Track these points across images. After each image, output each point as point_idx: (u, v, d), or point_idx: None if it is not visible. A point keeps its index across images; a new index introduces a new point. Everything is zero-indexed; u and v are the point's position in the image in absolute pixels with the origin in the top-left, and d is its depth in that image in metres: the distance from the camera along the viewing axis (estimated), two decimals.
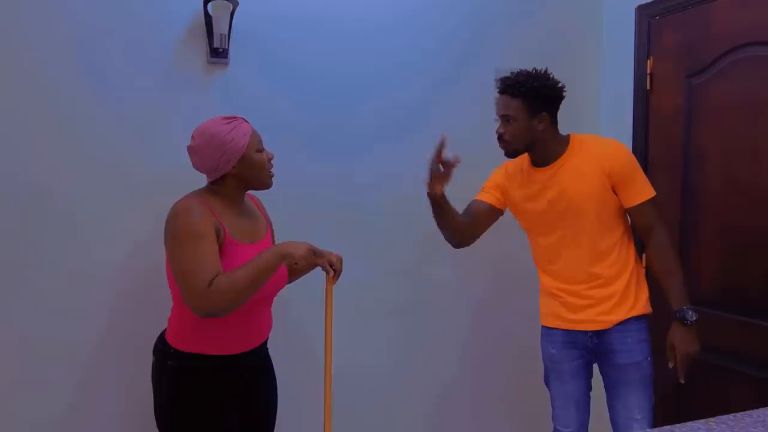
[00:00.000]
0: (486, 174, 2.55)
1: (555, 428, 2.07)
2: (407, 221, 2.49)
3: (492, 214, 2.12)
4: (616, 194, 1.94)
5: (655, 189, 1.97)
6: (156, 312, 1.88)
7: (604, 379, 2.04)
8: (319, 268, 1.94)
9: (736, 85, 2.21)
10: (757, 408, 1.38)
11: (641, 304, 1.98)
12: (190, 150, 1.71)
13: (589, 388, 2.07)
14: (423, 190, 2.46)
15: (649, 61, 2.52)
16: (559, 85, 1.97)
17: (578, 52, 2.73)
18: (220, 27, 2.12)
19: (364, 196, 2.43)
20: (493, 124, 2.57)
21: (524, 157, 2.08)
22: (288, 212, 2.24)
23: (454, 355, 2.61)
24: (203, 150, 1.67)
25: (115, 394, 2.12)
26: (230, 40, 2.16)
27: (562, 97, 1.98)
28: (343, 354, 2.24)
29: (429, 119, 2.51)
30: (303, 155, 2.33)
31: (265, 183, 1.76)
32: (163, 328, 1.79)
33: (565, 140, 2.00)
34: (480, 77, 2.58)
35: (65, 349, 2.06)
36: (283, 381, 1.96)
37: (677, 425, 1.16)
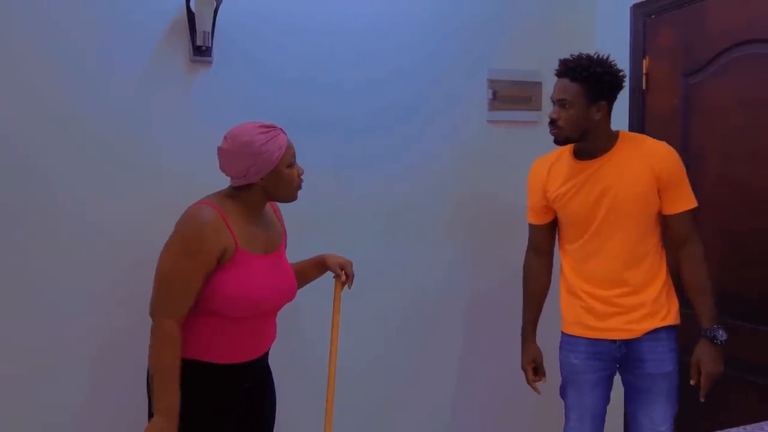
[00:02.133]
0: (483, 176, 2.52)
1: None
2: (399, 222, 2.43)
3: (554, 225, 2.07)
4: (659, 198, 1.86)
5: None
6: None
7: (626, 388, 1.96)
8: (329, 274, 1.94)
9: (734, 83, 2.17)
10: (761, 415, 1.32)
11: (673, 315, 1.92)
12: (221, 152, 1.65)
13: (607, 401, 1.98)
14: (414, 191, 2.45)
15: (644, 60, 2.48)
16: (621, 73, 1.88)
17: (573, 53, 2.66)
18: (203, 24, 2.06)
19: (353, 198, 2.36)
20: (487, 126, 2.55)
21: (564, 149, 1.98)
22: None
23: (456, 361, 2.54)
24: (234, 155, 1.61)
25: (109, 404, 2.05)
26: (214, 38, 2.10)
27: (622, 87, 1.89)
28: (345, 358, 2.17)
29: (420, 121, 2.45)
30: None
31: (289, 198, 1.72)
32: None
33: (615, 135, 1.92)
34: (473, 78, 2.52)
35: (60, 352, 2.00)
36: (285, 389, 1.90)
37: None
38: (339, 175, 2.33)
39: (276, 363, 1.85)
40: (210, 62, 2.13)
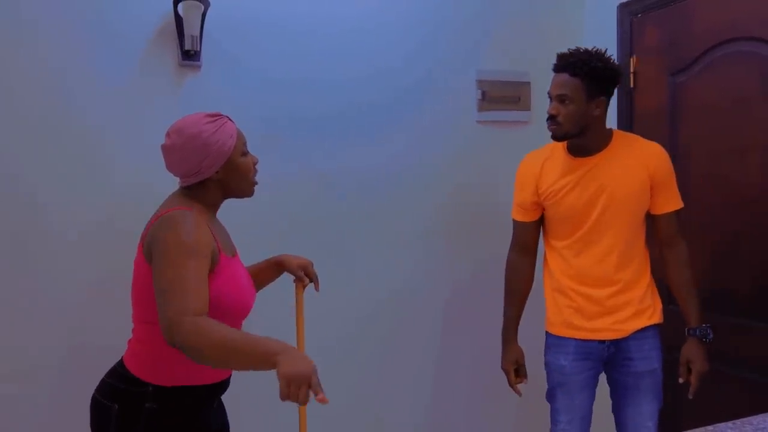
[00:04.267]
0: (473, 177, 2.52)
1: None
2: (387, 223, 2.43)
3: (540, 223, 2.05)
4: (650, 197, 1.88)
5: None
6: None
7: (613, 386, 1.97)
8: (286, 275, 1.82)
9: (720, 81, 2.19)
10: (750, 411, 1.33)
11: (658, 313, 1.93)
12: (166, 149, 1.47)
13: (593, 400, 1.98)
14: (403, 192, 2.45)
15: (632, 59, 2.49)
16: (619, 68, 1.87)
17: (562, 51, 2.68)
18: (191, 28, 2.05)
19: (340, 200, 2.36)
20: (474, 126, 2.56)
21: (556, 145, 1.96)
22: (260, 216, 2.18)
23: (441, 363, 2.55)
24: (181, 151, 1.44)
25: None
26: (202, 42, 2.09)
27: (619, 82, 1.88)
28: (325, 359, 2.16)
29: (409, 122, 2.46)
30: (277, 159, 2.25)
31: (247, 191, 1.56)
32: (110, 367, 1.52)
33: (610, 132, 1.92)
34: (461, 78, 2.53)
35: (32, 357, 1.97)
36: (252, 402, 1.86)
37: None
38: (326, 176, 2.33)
39: (238, 376, 1.69)
40: (198, 66, 2.13)
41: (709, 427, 1.09)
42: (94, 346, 1.98)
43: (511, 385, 2.05)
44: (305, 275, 1.78)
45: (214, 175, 1.49)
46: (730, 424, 1.12)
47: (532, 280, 2.08)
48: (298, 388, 1.18)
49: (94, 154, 2.03)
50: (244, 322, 1.60)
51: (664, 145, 2.34)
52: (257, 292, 1.71)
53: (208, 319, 1.27)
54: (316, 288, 1.82)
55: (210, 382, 1.49)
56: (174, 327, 1.26)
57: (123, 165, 2.06)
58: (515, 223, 2.08)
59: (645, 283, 1.91)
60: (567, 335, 1.94)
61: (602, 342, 1.91)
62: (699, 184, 2.25)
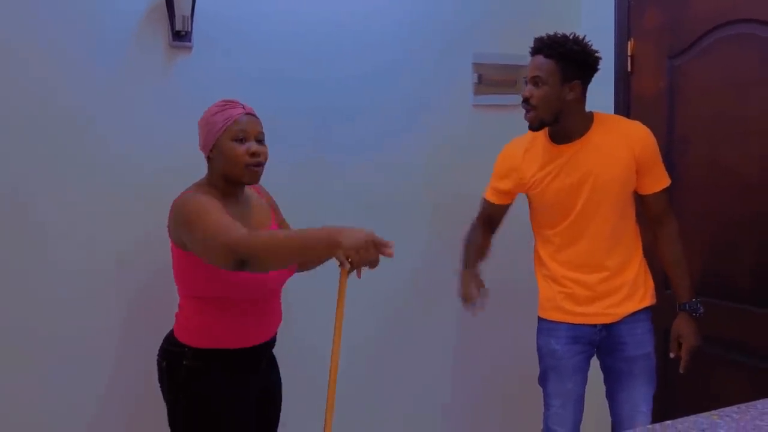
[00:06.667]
0: (469, 161, 2.49)
1: (549, 428, 1.97)
2: (383, 216, 2.39)
3: (507, 210, 2.06)
4: (637, 178, 1.87)
5: None
6: (156, 314, 1.79)
7: (606, 371, 1.97)
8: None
9: (720, 64, 2.17)
10: (749, 396, 1.33)
11: (650, 295, 1.94)
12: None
13: (586, 383, 1.99)
14: (398, 178, 2.42)
15: (629, 42, 2.46)
16: (597, 54, 1.85)
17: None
18: (182, 8, 2.00)
19: (333, 187, 2.32)
20: (470, 110, 2.53)
21: (537, 134, 1.93)
22: None
23: (439, 353, 2.53)
24: (198, 127, 1.66)
25: (122, 402, 2.02)
26: (193, 22, 2.04)
27: (596, 68, 1.86)
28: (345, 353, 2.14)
29: (402, 105, 2.41)
30: (270, 148, 2.20)
31: (237, 177, 1.61)
32: (167, 331, 1.71)
33: (590, 117, 1.90)
34: (457, 62, 2.49)
35: (67, 353, 1.96)
36: (287, 378, 1.87)
37: (679, 420, 1.09)
38: (318, 161, 2.28)
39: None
40: (189, 47, 2.08)
41: (715, 412, 1.09)
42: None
43: (466, 298, 1.88)
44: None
45: (210, 155, 1.64)
46: (735, 408, 1.11)
47: (488, 248, 2.05)
48: (367, 251, 1.36)
49: (82, 136, 1.97)
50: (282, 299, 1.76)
51: (662, 130, 2.35)
52: (306, 270, 1.87)
53: (248, 234, 1.42)
54: (358, 275, 1.71)
55: (242, 346, 1.63)
56: (214, 251, 1.42)
57: (113, 147, 2.00)
58: (485, 201, 2.07)
59: (636, 265, 1.92)
60: (558, 319, 1.94)
61: (594, 326, 1.91)
62: (698, 169, 2.24)
